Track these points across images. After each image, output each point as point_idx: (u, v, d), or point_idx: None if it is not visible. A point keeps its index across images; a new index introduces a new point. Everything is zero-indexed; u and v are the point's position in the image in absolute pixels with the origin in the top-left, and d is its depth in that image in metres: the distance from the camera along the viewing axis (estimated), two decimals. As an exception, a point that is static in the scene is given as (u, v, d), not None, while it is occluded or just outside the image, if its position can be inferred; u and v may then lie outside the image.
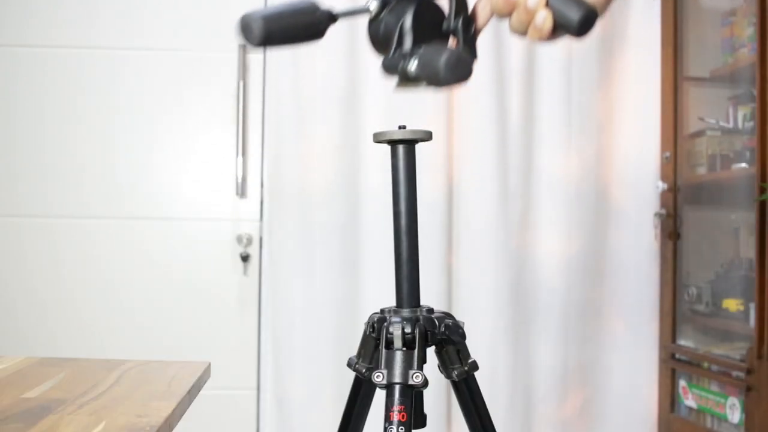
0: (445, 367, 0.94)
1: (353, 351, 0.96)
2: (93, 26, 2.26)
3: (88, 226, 2.25)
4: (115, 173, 2.26)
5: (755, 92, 1.90)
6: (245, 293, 2.28)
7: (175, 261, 2.27)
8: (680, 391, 2.24)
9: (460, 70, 0.72)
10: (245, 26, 0.72)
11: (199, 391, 0.91)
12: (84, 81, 2.26)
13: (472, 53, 0.79)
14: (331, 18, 0.77)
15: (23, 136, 2.24)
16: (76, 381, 0.87)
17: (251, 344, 2.28)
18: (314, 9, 0.76)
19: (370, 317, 0.93)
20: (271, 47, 0.75)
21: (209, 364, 0.99)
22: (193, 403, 0.87)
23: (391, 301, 0.95)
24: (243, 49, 2.27)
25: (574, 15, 0.71)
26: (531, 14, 0.72)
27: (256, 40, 0.72)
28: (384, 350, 0.87)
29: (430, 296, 2.18)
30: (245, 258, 2.27)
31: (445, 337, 0.90)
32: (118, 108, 2.27)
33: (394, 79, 0.78)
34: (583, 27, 0.72)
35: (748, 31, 2.07)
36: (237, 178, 2.27)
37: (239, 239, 2.28)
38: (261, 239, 2.27)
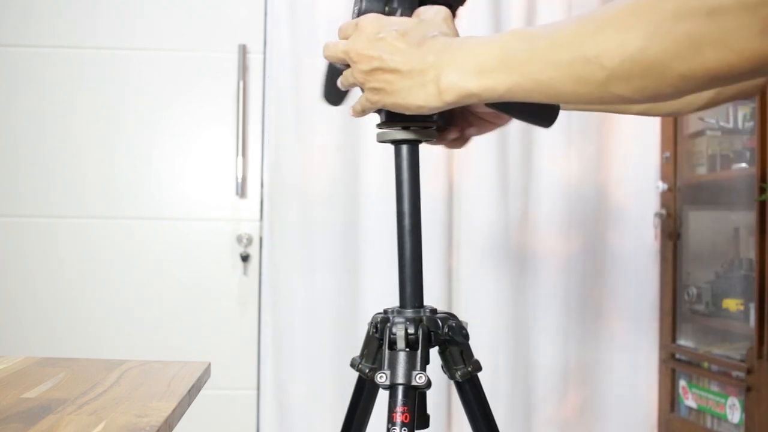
0: (448, 367, 0.93)
1: (353, 351, 0.96)
2: (93, 26, 2.26)
3: (88, 226, 2.25)
4: (115, 173, 2.26)
5: (756, 92, 1.90)
6: (245, 293, 2.28)
7: (175, 261, 2.27)
8: (680, 391, 2.24)
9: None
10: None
11: (199, 391, 0.91)
12: (84, 81, 2.25)
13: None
14: None
15: (23, 136, 2.24)
16: (76, 381, 0.87)
17: (251, 344, 2.28)
18: None
19: (373, 317, 0.93)
20: None
21: (209, 364, 0.98)
22: (193, 403, 0.86)
23: (391, 302, 0.94)
24: (243, 49, 2.26)
25: None
26: None
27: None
28: (387, 351, 0.87)
29: (430, 295, 2.17)
30: (245, 258, 2.26)
31: (448, 338, 0.89)
32: (118, 108, 2.26)
33: None
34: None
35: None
36: (237, 178, 2.27)
37: (239, 239, 2.27)
38: (261, 239, 2.27)
